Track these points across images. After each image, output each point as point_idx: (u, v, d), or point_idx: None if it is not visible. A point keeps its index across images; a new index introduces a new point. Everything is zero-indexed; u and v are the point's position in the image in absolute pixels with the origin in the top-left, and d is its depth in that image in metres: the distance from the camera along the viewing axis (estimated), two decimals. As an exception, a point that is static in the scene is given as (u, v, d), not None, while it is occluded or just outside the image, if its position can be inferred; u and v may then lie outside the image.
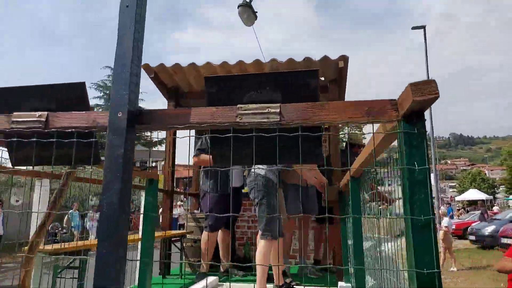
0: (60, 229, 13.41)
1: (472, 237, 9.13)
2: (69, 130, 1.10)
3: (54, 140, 1.11)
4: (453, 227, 10.48)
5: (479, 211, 12.48)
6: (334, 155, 4.11)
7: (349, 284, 3.44)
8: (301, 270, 4.27)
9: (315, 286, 3.58)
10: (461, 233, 10.87)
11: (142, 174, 2.50)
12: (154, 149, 25.95)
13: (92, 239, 5.32)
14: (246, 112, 0.99)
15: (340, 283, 3.45)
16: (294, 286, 3.35)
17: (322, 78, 4.27)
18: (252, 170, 3.30)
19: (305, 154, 1.02)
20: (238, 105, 1.00)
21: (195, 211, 4.87)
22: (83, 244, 2.76)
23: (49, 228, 12.75)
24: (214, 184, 4.06)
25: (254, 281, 3.96)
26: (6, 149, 1.24)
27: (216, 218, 3.99)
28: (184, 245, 4.42)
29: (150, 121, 1.06)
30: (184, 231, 4.47)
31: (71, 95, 1.15)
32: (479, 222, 10.23)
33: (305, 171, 3.63)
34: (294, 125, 0.97)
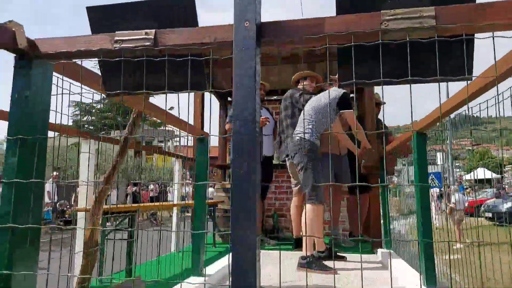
0: (68, 206, 13.29)
1: (489, 214, 9.13)
2: (181, 48, 0.99)
3: (166, 59, 1.01)
4: (466, 204, 10.45)
5: (491, 189, 12.47)
6: (368, 113, 3.94)
7: (391, 250, 3.40)
8: (334, 239, 4.22)
9: (354, 253, 3.53)
10: (474, 210, 10.89)
11: (196, 131, 2.41)
12: (160, 128, 25.75)
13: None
14: (394, 17, 0.88)
15: (381, 250, 3.40)
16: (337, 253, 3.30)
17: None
18: (296, 134, 3.21)
19: (454, 67, 0.92)
20: (382, 11, 0.90)
21: (223, 181, 4.80)
22: (131, 206, 2.70)
23: (58, 205, 12.71)
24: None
25: (288, 249, 3.94)
26: (100, 73, 1.14)
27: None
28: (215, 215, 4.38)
29: (277, 33, 0.95)
30: (216, 201, 4.42)
31: (178, 12, 1.05)
32: (494, 199, 10.23)
33: (344, 137, 3.54)
34: (449, 31, 0.87)
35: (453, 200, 9.38)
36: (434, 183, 10.24)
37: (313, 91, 3.88)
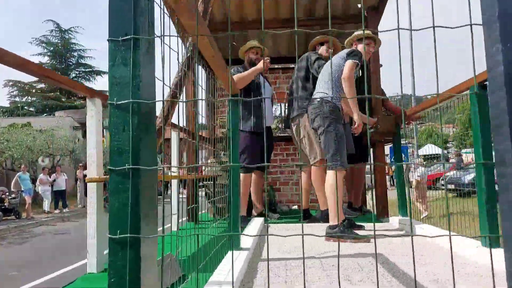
0: (7, 193, 12.03)
1: (451, 186, 9.62)
2: None
3: None
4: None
5: (445, 162, 13.30)
6: (374, 78, 3.77)
7: (407, 217, 3.33)
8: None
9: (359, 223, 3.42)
10: (432, 183, 11.46)
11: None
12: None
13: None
14: None
15: (399, 217, 3.32)
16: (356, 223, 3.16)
17: (359, 5, 3.95)
18: (316, 96, 2.98)
19: None
20: None
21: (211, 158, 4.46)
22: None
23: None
24: (247, 123, 3.70)
25: (295, 222, 3.76)
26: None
27: (252, 159, 3.67)
28: (209, 190, 4.07)
29: None
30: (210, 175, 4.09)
31: None
32: (455, 171, 10.80)
33: (355, 102, 3.36)
34: None
35: (417, 173, 9.74)
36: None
37: (327, 58, 3.66)
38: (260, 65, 3.54)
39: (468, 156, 15.46)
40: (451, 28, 0.65)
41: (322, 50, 3.61)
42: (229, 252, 2.03)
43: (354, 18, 4.01)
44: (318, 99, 2.90)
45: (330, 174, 2.78)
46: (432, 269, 1.89)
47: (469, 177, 8.69)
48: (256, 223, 3.19)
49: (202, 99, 3.10)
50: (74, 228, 10.28)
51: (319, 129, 2.89)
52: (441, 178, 11.43)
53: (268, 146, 3.91)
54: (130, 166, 0.66)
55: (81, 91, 2.04)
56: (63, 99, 26.65)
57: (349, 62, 2.81)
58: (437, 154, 20.07)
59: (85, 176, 14.70)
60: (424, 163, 10.67)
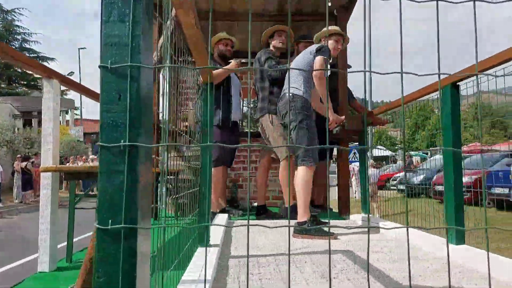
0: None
1: (402, 187, 10.06)
2: None
3: None
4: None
5: (395, 164, 13.98)
6: (342, 80, 3.80)
7: (371, 215, 3.38)
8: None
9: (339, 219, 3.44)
10: (383, 184, 11.95)
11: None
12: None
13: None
14: None
15: (361, 215, 3.37)
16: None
17: (329, 4, 3.96)
18: (285, 91, 2.92)
19: None
20: None
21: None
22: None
23: None
24: (215, 117, 3.58)
25: (259, 218, 3.69)
26: None
27: (219, 153, 3.56)
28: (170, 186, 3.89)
29: None
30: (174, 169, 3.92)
31: None
32: (403, 172, 11.30)
33: (324, 98, 3.36)
34: None
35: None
36: (356, 157, 10.91)
37: (283, 49, 3.61)
38: (232, 65, 3.46)
39: (415, 158, 16.27)
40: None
41: (274, 42, 3.59)
42: (199, 249, 1.93)
43: (324, 16, 4.02)
44: (289, 94, 2.85)
45: (302, 170, 2.75)
46: (402, 265, 1.91)
47: (419, 178, 9.12)
48: (221, 220, 3.09)
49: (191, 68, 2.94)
50: (9, 225, 9.54)
51: (291, 124, 2.84)
52: (391, 178, 11.93)
53: (235, 141, 3.83)
54: (126, 143, 0.55)
55: (37, 70, 1.83)
56: (2, 85, 24.66)
57: (319, 58, 2.79)
58: (386, 156, 21.11)
59: (23, 168, 13.55)
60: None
